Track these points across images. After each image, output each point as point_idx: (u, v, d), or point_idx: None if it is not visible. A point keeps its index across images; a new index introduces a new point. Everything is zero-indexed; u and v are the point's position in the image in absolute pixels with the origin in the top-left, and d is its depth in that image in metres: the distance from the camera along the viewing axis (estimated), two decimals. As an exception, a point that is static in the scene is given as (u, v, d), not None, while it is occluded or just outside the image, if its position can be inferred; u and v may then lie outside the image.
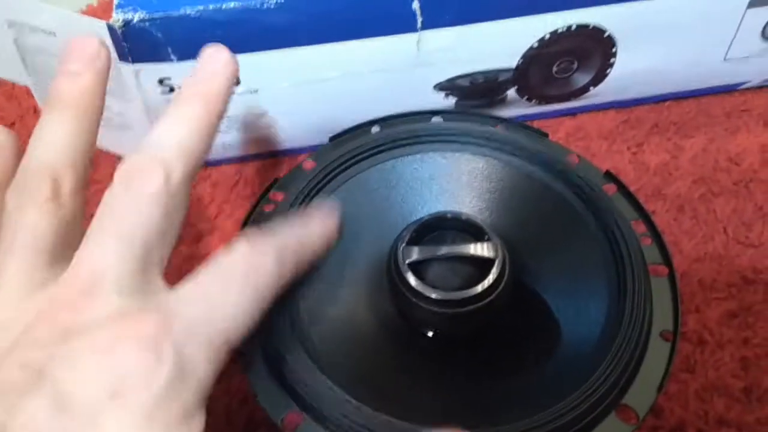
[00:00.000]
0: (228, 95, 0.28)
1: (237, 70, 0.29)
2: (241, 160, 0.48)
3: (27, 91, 0.51)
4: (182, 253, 0.43)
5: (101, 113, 0.28)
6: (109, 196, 0.25)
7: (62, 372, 0.21)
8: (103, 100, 0.28)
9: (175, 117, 0.27)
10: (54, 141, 0.26)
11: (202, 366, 0.22)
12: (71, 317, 0.22)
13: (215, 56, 0.29)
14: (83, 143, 0.27)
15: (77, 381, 0.21)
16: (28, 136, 0.49)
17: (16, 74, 0.44)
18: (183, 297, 0.24)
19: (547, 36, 0.41)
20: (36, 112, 0.50)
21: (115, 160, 0.48)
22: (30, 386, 0.21)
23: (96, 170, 0.48)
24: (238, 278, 0.24)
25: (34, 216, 0.25)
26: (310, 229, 0.29)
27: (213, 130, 0.28)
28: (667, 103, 0.50)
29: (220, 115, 0.28)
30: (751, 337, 0.38)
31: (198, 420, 0.22)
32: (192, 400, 0.22)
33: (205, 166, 0.48)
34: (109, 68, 0.28)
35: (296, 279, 0.27)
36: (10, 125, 0.50)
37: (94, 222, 0.25)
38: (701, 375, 0.37)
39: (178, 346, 0.22)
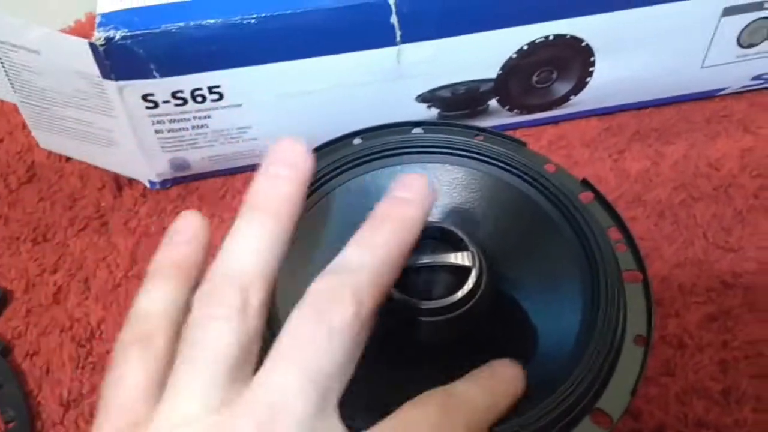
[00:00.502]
0: (424, 222, 0.27)
1: (435, 193, 0.28)
2: (228, 172, 0.48)
3: (15, 108, 0.52)
4: (169, 265, 0.43)
5: (297, 224, 0.26)
6: (296, 321, 0.23)
7: None
8: (302, 208, 0.26)
9: (370, 243, 0.25)
10: (248, 249, 0.24)
11: None
12: None
13: (413, 181, 0.28)
14: (277, 254, 0.25)
15: None
16: (17, 152, 0.50)
17: (3, 91, 0.45)
18: None
19: (525, 47, 0.42)
20: (25, 128, 0.50)
21: (104, 175, 0.48)
22: None
23: (84, 185, 0.48)
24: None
25: (220, 329, 0.23)
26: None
27: (404, 260, 0.26)
28: (648, 110, 0.51)
29: (412, 245, 0.26)
30: (730, 341, 0.39)
31: None
32: None
33: (192, 179, 0.48)
34: (311, 176, 0.27)
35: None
36: (-1, 141, 0.51)
37: (277, 347, 0.23)
38: (681, 378, 0.38)
39: None
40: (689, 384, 0.37)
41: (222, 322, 0.23)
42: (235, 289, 0.23)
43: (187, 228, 0.28)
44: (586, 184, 0.36)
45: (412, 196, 0.27)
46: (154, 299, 0.25)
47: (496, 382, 0.28)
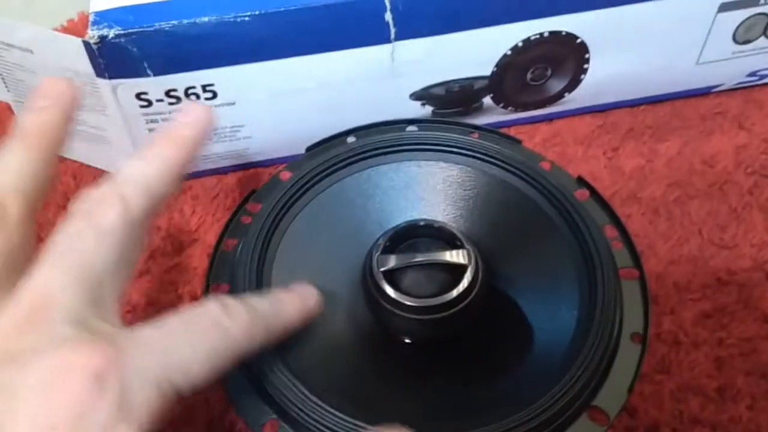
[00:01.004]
0: (199, 143, 0.29)
1: (212, 121, 0.30)
2: (221, 171, 0.48)
3: (8, 107, 0.51)
4: (163, 264, 0.43)
5: (60, 147, 0.28)
6: (63, 224, 0.25)
7: (1, 403, 0.20)
8: (64, 134, 0.28)
9: (143, 156, 0.27)
10: (5, 168, 0.26)
11: (144, 409, 0.21)
12: (12, 344, 0.21)
13: (193, 107, 0.30)
14: (36, 171, 0.27)
15: (17, 414, 0.20)
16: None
17: (-4, 91, 0.44)
18: (140, 338, 0.23)
19: (520, 44, 0.42)
20: (17, 128, 0.50)
21: (98, 174, 0.48)
22: None
23: (78, 184, 0.48)
24: (200, 334, 0.24)
25: None
26: (286, 306, 0.29)
27: (178, 173, 0.28)
28: (642, 107, 0.51)
29: (188, 160, 0.29)
30: (725, 338, 0.39)
31: None
32: None
33: (186, 178, 0.48)
34: (75, 107, 0.28)
35: (266, 347, 0.27)
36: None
37: (46, 249, 0.24)
38: (676, 375, 0.38)
39: (124, 384, 0.21)
40: (684, 381, 0.37)
41: None
42: None
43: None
44: (581, 181, 0.36)
45: (189, 120, 0.29)
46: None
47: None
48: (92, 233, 0.24)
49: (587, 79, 0.46)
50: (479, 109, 0.47)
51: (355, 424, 0.27)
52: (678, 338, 0.39)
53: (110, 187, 0.26)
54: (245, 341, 0.25)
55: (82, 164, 0.48)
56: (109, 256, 0.24)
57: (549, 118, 0.50)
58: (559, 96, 0.47)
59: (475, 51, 0.42)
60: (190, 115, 0.30)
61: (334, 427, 0.27)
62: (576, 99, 0.48)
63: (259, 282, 0.31)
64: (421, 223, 0.33)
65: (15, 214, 0.25)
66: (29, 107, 0.28)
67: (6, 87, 0.44)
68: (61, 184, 0.48)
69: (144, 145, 0.28)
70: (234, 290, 0.31)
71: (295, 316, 0.29)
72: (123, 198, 0.25)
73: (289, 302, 0.29)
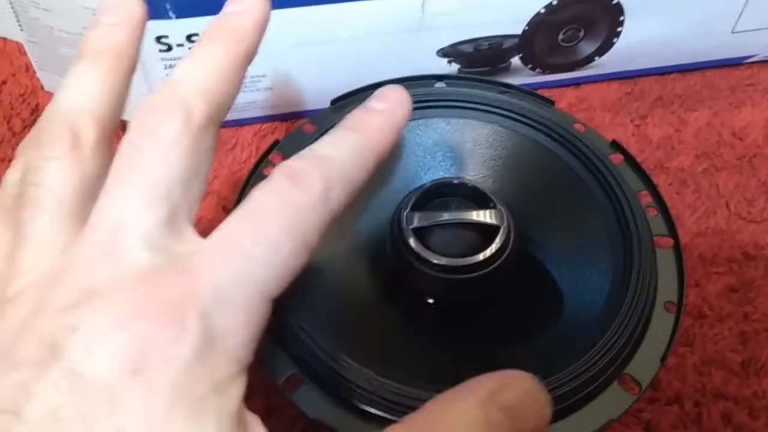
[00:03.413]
0: (258, 35, 0.26)
1: (268, 9, 0.26)
2: (237, 123, 0.47)
3: (19, 48, 0.50)
4: (178, 216, 0.42)
5: (135, 67, 0.25)
6: (125, 144, 0.22)
7: (78, 346, 0.19)
8: (137, 53, 0.25)
9: (198, 56, 0.24)
10: (76, 91, 0.24)
11: (236, 331, 0.20)
12: (90, 279, 0.20)
13: None
14: (111, 93, 0.24)
15: (93, 357, 0.19)
16: (21, 94, 0.48)
17: (8, 29, 0.43)
18: (213, 251, 0.21)
19: (555, 2, 0.41)
20: (29, 70, 0.49)
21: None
22: (44, 363, 0.19)
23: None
24: (273, 220, 0.21)
25: (53, 169, 0.22)
26: (367, 141, 0.24)
27: (240, 72, 0.25)
28: (671, 76, 0.49)
29: (249, 56, 0.25)
30: (751, 312, 0.38)
31: (234, 391, 0.20)
32: (225, 371, 0.19)
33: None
34: (144, 24, 0.26)
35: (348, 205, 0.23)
36: (1, 83, 0.49)
37: (111, 172, 0.22)
38: (700, 348, 0.37)
39: (207, 312, 0.19)
40: (708, 355, 0.37)
41: (54, 162, 0.22)
42: (65, 127, 0.23)
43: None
44: (616, 145, 0.35)
45: (241, 8, 0.25)
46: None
47: (360, 122, 0.25)
48: (155, 146, 0.22)
49: (619, 43, 0.45)
50: (506, 70, 0.45)
51: (378, 380, 0.26)
52: (702, 311, 0.38)
53: (168, 95, 0.23)
54: (326, 211, 0.22)
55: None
56: (178, 169, 0.22)
57: (576, 83, 0.48)
58: (589, 59, 0.46)
59: (508, 7, 0.41)
60: (242, 1, 0.26)
61: (358, 383, 0.26)
62: (606, 64, 0.46)
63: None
64: (454, 181, 0.32)
65: (91, 140, 0.23)
66: (96, 23, 0.25)
67: (20, 25, 0.42)
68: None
69: (196, 43, 0.25)
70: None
71: (381, 147, 0.24)
72: (183, 105, 0.22)
73: (371, 131, 0.24)
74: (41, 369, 0.18)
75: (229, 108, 0.24)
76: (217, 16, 0.25)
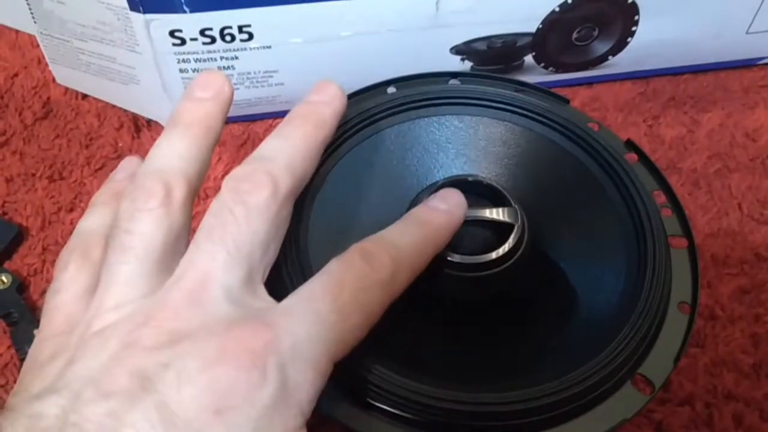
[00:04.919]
0: (336, 122, 0.30)
1: (345, 104, 0.30)
2: (249, 119, 0.47)
3: (31, 41, 0.50)
4: (189, 210, 0.42)
5: (218, 139, 0.28)
6: (217, 205, 0.25)
7: (168, 382, 0.20)
8: (221, 126, 0.28)
9: (286, 135, 0.28)
10: (170, 153, 0.26)
11: (306, 386, 0.22)
12: (179, 323, 0.22)
13: (327, 86, 0.30)
14: (198, 159, 0.26)
15: (183, 393, 0.20)
16: (32, 87, 0.48)
17: (21, 21, 0.43)
18: (291, 311, 0.23)
19: (570, 0, 0.40)
20: (41, 63, 0.49)
21: (122, 115, 0.47)
22: (136, 395, 0.20)
23: (101, 124, 0.47)
24: (347, 293, 0.23)
25: (146, 219, 0.24)
26: (431, 234, 0.28)
27: (318, 153, 0.28)
28: (684, 76, 0.49)
29: (327, 141, 0.29)
30: (763, 314, 0.38)
31: None
32: (294, 422, 0.21)
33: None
34: (230, 102, 0.28)
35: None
36: (14, 76, 0.49)
37: (202, 228, 0.24)
38: (711, 350, 0.37)
39: (284, 364, 0.21)
40: (719, 356, 0.37)
41: (146, 213, 0.24)
42: (159, 183, 0.25)
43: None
44: (630, 144, 0.35)
45: (325, 99, 0.30)
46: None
47: (425, 218, 0.29)
48: (245, 211, 0.24)
49: (633, 43, 0.45)
50: (519, 68, 0.45)
51: (389, 377, 0.26)
52: (714, 313, 0.38)
53: (259, 166, 0.26)
54: (392, 290, 0.25)
55: (106, 104, 0.47)
56: (261, 234, 0.24)
57: (589, 82, 0.48)
58: (602, 59, 0.46)
59: (522, 5, 0.41)
60: (325, 91, 0.30)
61: (370, 379, 0.26)
62: (619, 63, 0.46)
63: (294, 229, 0.30)
64: (469, 179, 0.32)
65: (180, 198, 0.25)
66: (190, 96, 0.28)
67: (33, 18, 0.43)
68: (84, 123, 0.47)
69: (283, 125, 0.28)
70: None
71: (441, 242, 0.29)
72: (272, 177, 0.25)
73: (434, 229, 0.28)
74: (132, 400, 0.20)
75: (305, 184, 0.28)
76: (303, 101, 0.29)
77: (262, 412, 0.20)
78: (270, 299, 0.24)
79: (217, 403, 0.20)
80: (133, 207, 0.24)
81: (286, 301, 0.24)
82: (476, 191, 0.32)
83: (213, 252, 0.24)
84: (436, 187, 0.32)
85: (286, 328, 0.22)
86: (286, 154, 0.26)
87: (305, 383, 0.22)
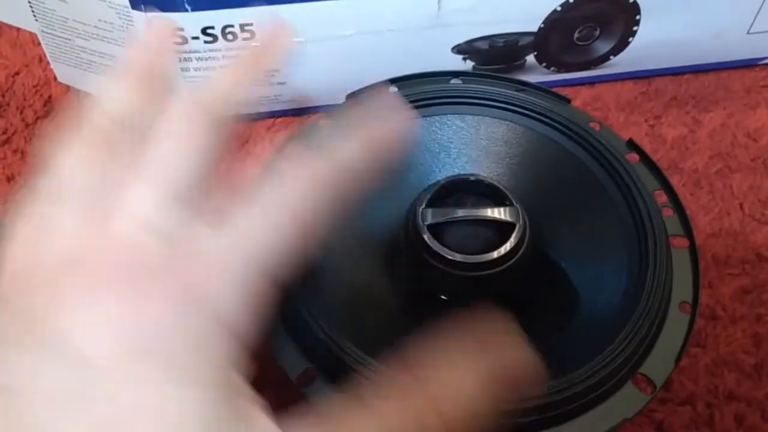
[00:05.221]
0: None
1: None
2: (250, 118, 0.47)
3: (32, 39, 0.50)
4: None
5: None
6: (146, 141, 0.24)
7: (81, 328, 0.19)
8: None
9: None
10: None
11: (239, 312, 0.21)
12: (106, 270, 0.20)
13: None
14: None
15: (98, 339, 0.19)
16: (33, 85, 0.48)
17: (23, 19, 0.43)
18: (220, 238, 0.22)
19: (572, 0, 0.40)
20: (42, 61, 0.49)
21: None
22: (47, 343, 0.19)
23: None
24: (273, 210, 0.22)
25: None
26: (370, 143, 0.25)
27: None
28: (685, 76, 0.49)
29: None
30: (764, 314, 0.38)
31: (237, 373, 0.20)
32: (229, 352, 0.20)
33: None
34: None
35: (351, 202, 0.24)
36: (15, 74, 0.49)
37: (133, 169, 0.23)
38: (712, 350, 0.37)
39: (212, 294, 0.20)
40: (720, 356, 0.37)
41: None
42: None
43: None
44: (632, 144, 0.35)
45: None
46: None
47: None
48: (173, 145, 0.23)
49: (634, 43, 0.45)
50: (521, 68, 0.45)
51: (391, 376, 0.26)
52: (715, 313, 0.38)
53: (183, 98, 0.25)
54: (322, 204, 0.23)
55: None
56: (189, 163, 0.23)
57: (590, 82, 0.48)
58: (604, 58, 0.46)
59: (524, 5, 0.41)
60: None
61: (371, 378, 0.26)
62: (620, 63, 0.46)
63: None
64: (471, 178, 0.32)
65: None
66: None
67: (34, 16, 0.43)
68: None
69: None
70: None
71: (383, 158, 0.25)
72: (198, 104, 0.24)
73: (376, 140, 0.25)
74: (44, 349, 0.19)
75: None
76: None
77: (193, 347, 0.19)
78: (203, 225, 0.23)
79: (134, 344, 0.19)
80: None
81: (217, 229, 0.22)
82: (478, 191, 0.32)
83: (140, 188, 0.23)
84: (437, 186, 0.32)
85: (213, 257, 0.21)
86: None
87: (238, 309, 0.21)
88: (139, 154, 0.23)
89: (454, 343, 0.23)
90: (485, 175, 0.34)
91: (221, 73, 0.27)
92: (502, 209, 0.31)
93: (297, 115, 0.46)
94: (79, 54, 0.43)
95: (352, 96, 0.38)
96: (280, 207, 0.22)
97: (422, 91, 0.36)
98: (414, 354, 0.22)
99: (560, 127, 0.34)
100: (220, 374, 0.20)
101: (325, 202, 0.23)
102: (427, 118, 0.35)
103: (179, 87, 0.26)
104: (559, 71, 0.46)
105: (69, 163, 0.23)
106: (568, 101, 0.37)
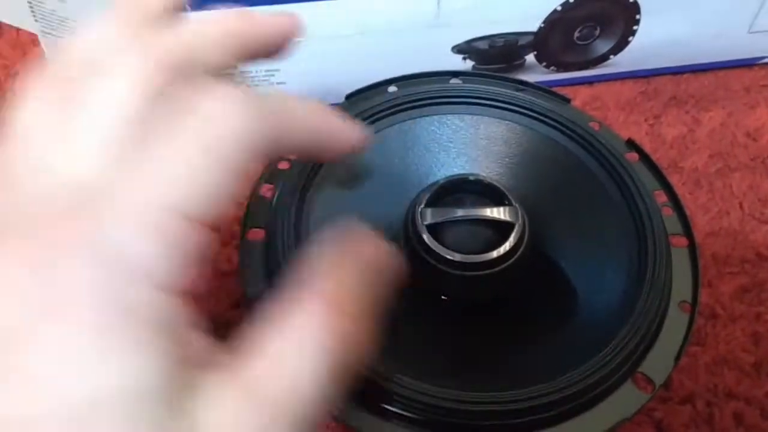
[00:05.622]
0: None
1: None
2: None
3: (32, 39, 0.50)
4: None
5: None
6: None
7: None
8: None
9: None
10: None
11: (157, 263, 0.18)
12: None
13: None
14: None
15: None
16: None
17: (22, 19, 0.43)
18: (130, 189, 0.19)
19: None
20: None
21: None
22: None
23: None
24: (187, 143, 0.19)
25: None
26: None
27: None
28: (685, 76, 0.49)
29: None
30: (764, 313, 0.38)
31: (169, 330, 0.18)
32: (151, 307, 0.18)
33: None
34: None
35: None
36: (14, 74, 0.49)
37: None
38: (712, 348, 0.37)
39: (123, 247, 0.18)
40: (720, 355, 0.37)
41: None
42: None
43: None
44: (631, 144, 0.35)
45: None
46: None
47: None
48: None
49: (634, 42, 0.45)
50: (520, 67, 0.45)
51: (390, 377, 0.26)
52: (715, 311, 0.38)
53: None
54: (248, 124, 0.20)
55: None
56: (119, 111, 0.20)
57: (590, 81, 0.48)
58: (603, 58, 0.46)
59: (524, 4, 0.41)
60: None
61: (373, 380, 0.26)
62: (620, 62, 0.46)
63: (297, 228, 0.30)
64: (470, 178, 0.32)
65: None
66: None
67: (34, 16, 0.43)
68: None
69: None
70: (271, 235, 0.31)
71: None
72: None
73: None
74: None
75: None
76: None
77: (91, 299, 0.17)
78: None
79: (39, 303, 0.17)
80: None
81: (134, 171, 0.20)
82: (477, 190, 0.32)
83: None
84: (437, 186, 0.32)
85: (121, 208, 0.19)
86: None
87: (154, 255, 0.18)
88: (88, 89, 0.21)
89: (326, 256, 0.22)
90: (485, 174, 0.34)
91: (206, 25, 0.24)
92: (501, 209, 0.31)
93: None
94: (79, 54, 0.43)
95: (351, 96, 0.38)
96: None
97: (422, 90, 0.36)
98: (301, 276, 0.21)
99: (560, 127, 0.34)
100: (132, 320, 0.17)
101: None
102: (427, 118, 0.35)
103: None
104: (558, 71, 0.46)
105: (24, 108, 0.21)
106: (568, 101, 0.37)
